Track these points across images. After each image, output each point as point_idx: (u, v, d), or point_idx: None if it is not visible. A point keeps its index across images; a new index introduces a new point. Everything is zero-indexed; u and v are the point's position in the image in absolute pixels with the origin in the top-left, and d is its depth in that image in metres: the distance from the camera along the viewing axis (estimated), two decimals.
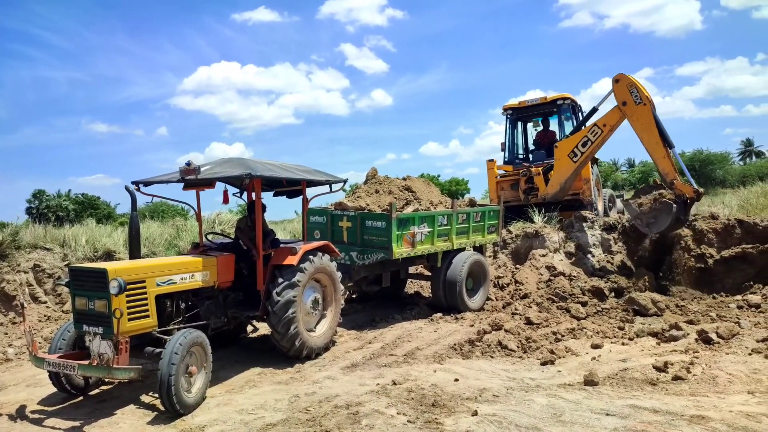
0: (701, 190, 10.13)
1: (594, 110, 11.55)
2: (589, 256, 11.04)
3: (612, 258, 10.91)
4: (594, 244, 11.18)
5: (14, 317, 9.00)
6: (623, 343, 7.38)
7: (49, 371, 5.19)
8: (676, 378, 5.74)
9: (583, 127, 11.53)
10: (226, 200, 6.78)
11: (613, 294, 9.85)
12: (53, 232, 11.55)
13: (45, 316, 9.20)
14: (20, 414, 5.12)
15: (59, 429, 4.77)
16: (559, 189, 11.78)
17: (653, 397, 5.31)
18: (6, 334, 8.44)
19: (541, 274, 10.56)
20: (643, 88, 10.50)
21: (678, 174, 10.23)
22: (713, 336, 7.09)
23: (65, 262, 10.27)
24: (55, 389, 5.51)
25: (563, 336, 7.64)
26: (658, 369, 6.08)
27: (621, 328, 8.10)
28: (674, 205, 9.86)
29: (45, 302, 9.54)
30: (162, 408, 5.01)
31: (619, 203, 15.21)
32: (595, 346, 7.18)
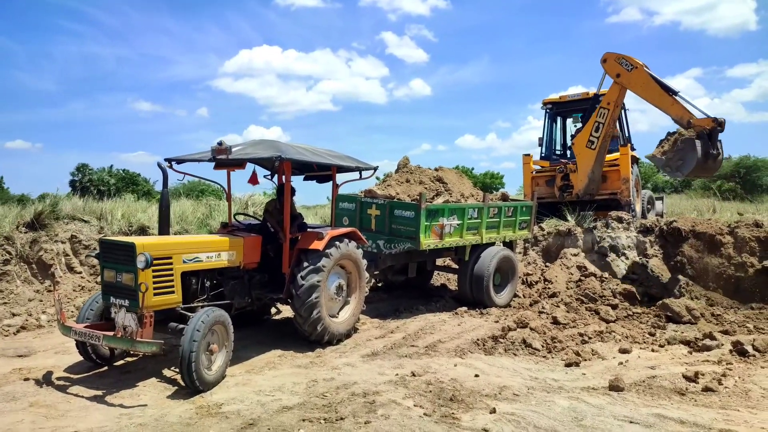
0: (721, 118, 9.63)
1: (597, 98, 11.61)
2: (623, 257, 10.73)
3: (647, 261, 10.58)
4: (629, 246, 10.86)
5: (50, 285, 9.26)
6: (653, 350, 7.16)
7: (75, 340, 5.31)
8: (706, 389, 5.53)
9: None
10: (254, 181, 6.79)
11: (645, 298, 9.57)
12: (92, 204, 11.85)
13: (79, 286, 9.45)
14: (46, 380, 5.26)
15: (82, 397, 4.88)
16: (588, 181, 11.68)
17: (681, 407, 5.12)
18: (41, 301, 8.71)
19: (572, 274, 10.33)
20: (631, 57, 10.60)
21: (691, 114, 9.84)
22: (749, 348, 6.82)
23: (101, 235, 10.53)
24: (81, 358, 5.65)
25: (590, 338, 7.45)
26: (688, 379, 5.87)
27: (652, 334, 7.86)
28: (698, 141, 9.47)
29: (80, 272, 9.79)
30: (182, 383, 5.08)
31: (658, 205, 14.76)
32: (623, 351, 6.98)
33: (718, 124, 9.54)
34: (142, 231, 10.94)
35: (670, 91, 10.04)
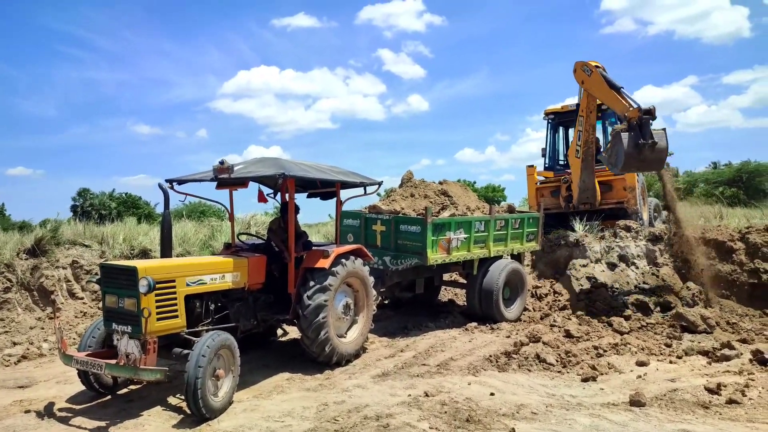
0: (649, 107, 9.24)
1: (578, 107, 11.67)
2: (633, 267, 10.56)
3: (658, 270, 10.39)
4: (638, 255, 10.69)
5: (51, 312, 9.09)
6: (671, 361, 6.98)
7: (77, 369, 5.14)
8: (730, 401, 5.34)
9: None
10: (262, 199, 6.66)
11: (658, 308, 9.36)
12: (92, 229, 11.72)
13: (81, 312, 9.28)
14: (48, 412, 5.07)
15: (85, 429, 4.70)
16: (580, 190, 11.64)
17: (706, 421, 4.94)
18: (42, 329, 8.54)
19: (582, 285, 10.14)
20: (591, 62, 10.67)
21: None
22: None
23: (102, 259, 10.39)
24: (84, 387, 5.47)
25: (605, 351, 7.26)
26: (710, 391, 5.68)
27: (668, 345, 7.68)
28: (624, 133, 9.09)
29: (82, 298, 9.64)
30: (188, 411, 4.89)
31: (664, 213, 14.60)
32: (641, 364, 6.80)
33: (645, 113, 9.24)
34: (144, 254, 10.80)
35: (614, 87, 10.01)
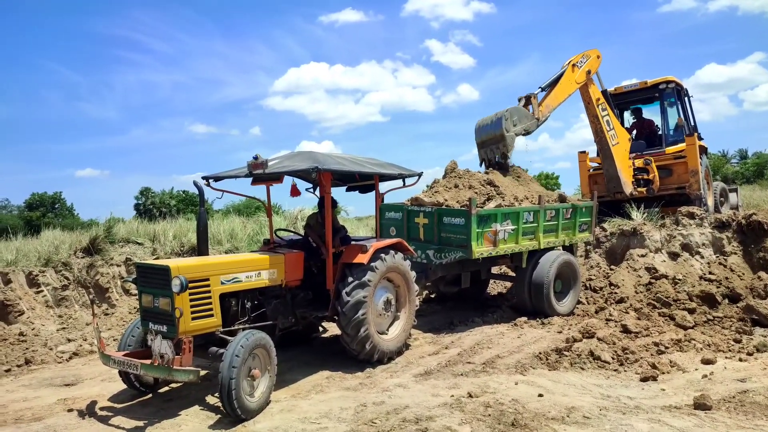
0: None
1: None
2: (697, 257, 9.84)
3: (725, 259, 9.63)
4: (703, 244, 9.95)
5: (107, 308, 9.36)
6: (741, 359, 6.42)
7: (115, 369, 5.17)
8: None
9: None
10: (295, 192, 6.53)
11: (726, 300, 8.66)
12: (146, 227, 12.04)
13: (135, 308, 9.47)
14: (89, 410, 5.12)
15: (123, 429, 4.70)
16: (606, 181, 11.54)
17: None
18: (97, 325, 8.77)
19: (640, 276, 9.54)
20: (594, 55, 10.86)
21: None
22: None
23: (154, 256, 10.63)
24: (125, 386, 5.50)
25: (667, 348, 6.75)
26: None
27: (737, 341, 7.08)
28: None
29: (135, 295, 9.84)
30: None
31: (732, 197, 13.65)
32: (707, 362, 6.27)
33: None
34: (194, 251, 10.97)
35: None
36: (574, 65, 10.45)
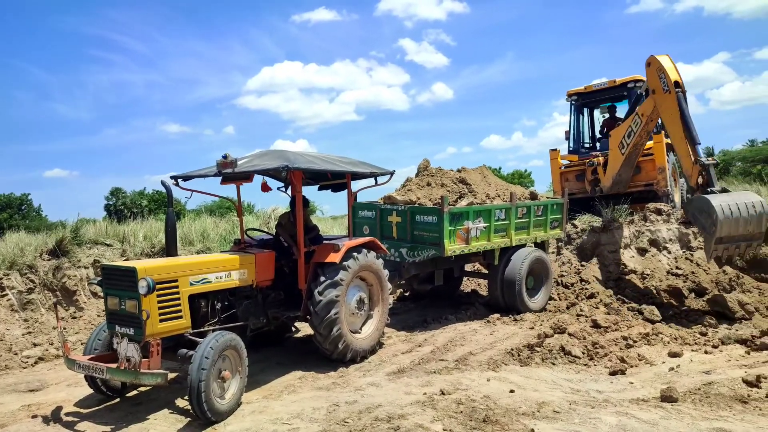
0: (708, 160, 8.46)
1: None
2: (665, 252, 10.05)
3: (692, 254, 9.86)
4: (670, 239, 10.17)
5: (74, 312, 9.14)
6: (706, 352, 6.58)
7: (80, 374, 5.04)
8: None
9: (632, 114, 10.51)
10: (266, 189, 6.46)
11: (693, 294, 8.88)
12: (115, 227, 11.78)
13: (104, 311, 9.27)
14: (54, 416, 4.99)
15: None
16: (613, 183, 10.95)
17: (744, 418, 4.57)
18: (65, 329, 8.55)
19: (610, 272, 9.71)
20: (671, 71, 9.00)
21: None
22: None
23: (124, 258, 10.41)
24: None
25: (635, 342, 6.87)
26: (749, 384, 5.29)
27: (703, 334, 7.25)
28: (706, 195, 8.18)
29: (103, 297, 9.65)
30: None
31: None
32: (673, 355, 6.41)
33: (706, 170, 8.45)
34: (165, 252, 10.79)
35: (691, 139, 8.64)
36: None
